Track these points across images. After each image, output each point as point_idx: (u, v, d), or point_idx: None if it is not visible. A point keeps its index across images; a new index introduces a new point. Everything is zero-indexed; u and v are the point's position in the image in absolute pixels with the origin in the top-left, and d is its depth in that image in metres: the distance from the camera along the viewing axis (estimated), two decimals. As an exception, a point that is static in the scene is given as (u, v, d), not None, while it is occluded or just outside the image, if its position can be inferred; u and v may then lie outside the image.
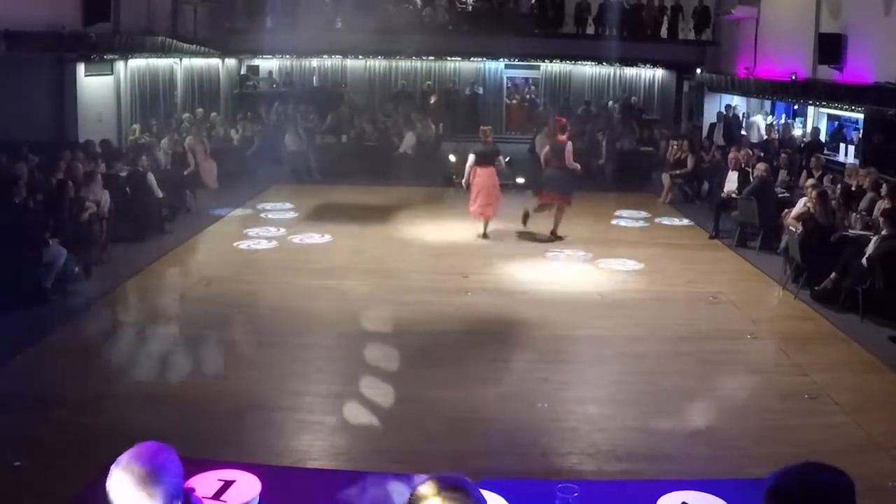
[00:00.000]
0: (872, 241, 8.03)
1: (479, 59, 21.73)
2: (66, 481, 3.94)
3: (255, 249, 10.47)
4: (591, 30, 20.04)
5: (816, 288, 8.50)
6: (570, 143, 11.09)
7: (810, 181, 10.14)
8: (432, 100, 20.82)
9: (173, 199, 11.69)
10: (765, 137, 16.54)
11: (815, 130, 15.05)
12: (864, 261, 7.92)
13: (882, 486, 4.68)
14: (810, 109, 16.11)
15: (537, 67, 22.43)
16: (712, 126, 17.96)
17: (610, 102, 21.08)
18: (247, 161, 15.48)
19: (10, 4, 10.77)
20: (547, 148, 11.44)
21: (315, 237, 10.98)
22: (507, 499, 2.93)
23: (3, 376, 6.17)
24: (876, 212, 8.85)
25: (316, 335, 7.35)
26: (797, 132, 16.16)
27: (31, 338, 6.91)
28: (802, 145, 14.61)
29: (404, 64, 21.97)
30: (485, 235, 11.13)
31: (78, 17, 12.58)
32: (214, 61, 19.37)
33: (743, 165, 12.15)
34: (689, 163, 14.30)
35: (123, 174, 11.41)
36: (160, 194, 11.07)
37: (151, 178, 11.02)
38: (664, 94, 22.19)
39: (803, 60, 14.41)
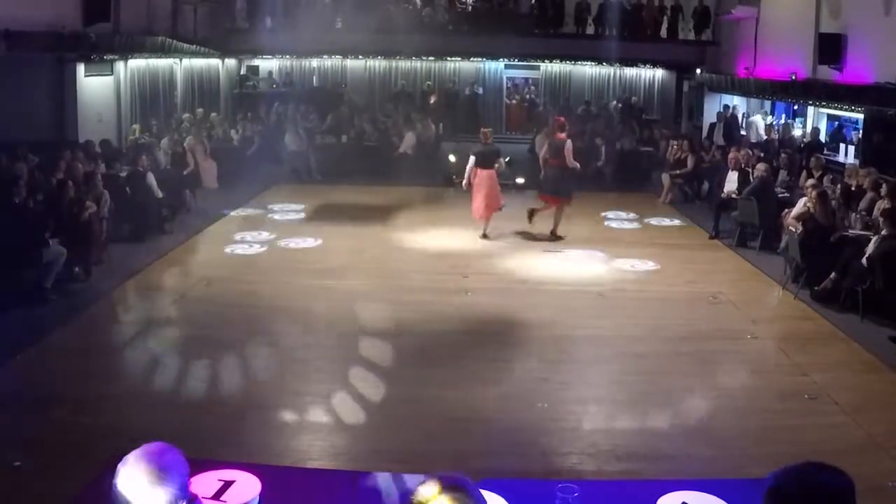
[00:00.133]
0: (872, 241, 8.03)
1: (479, 59, 21.73)
2: (66, 481, 3.94)
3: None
4: (591, 30, 20.03)
5: (816, 288, 8.50)
6: (569, 142, 11.09)
7: (810, 181, 10.14)
8: (432, 100, 20.82)
9: (173, 199, 11.69)
10: (764, 137, 16.54)
11: (815, 130, 15.04)
12: (864, 261, 7.92)
13: (882, 486, 4.68)
14: (810, 109, 16.11)
15: (537, 67, 22.43)
16: (712, 126, 17.96)
17: (614, 102, 21.09)
18: (247, 161, 15.48)
19: (10, 4, 10.78)
20: (546, 147, 11.44)
21: (309, 240, 10.89)
22: (507, 499, 2.93)
23: (3, 376, 6.17)
24: (876, 212, 8.84)
25: (316, 335, 7.35)
26: (797, 132, 16.15)
27: (31, 338, 6.91)
28: (802, 145, 14.61)
29: (404, 64, 21.97)
30: (485, 236, 11.13)
31: (78, 17, 12.58)
32: (214, 61, 19.37)
33: (743, 165, 12.15)
34: (689, 163, 14.30)
35: (123, 174, 11.41)
36: (160, 194, 11.07)
37: (151, 178, 11.01)
38: (664, 94, 22.19)
39: (803, 60, 14.41)
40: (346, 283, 9.01)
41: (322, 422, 5.70)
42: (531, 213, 11.21)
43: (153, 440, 2.03)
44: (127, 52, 14.37)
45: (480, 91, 22.14)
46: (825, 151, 14.00)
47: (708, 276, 9.62)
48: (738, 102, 18.37)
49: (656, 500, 2.97)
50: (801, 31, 14.47)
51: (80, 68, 13.50)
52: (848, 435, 5.46)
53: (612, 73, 22.26)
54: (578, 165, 11.21)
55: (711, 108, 19.01)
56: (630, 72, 22.15)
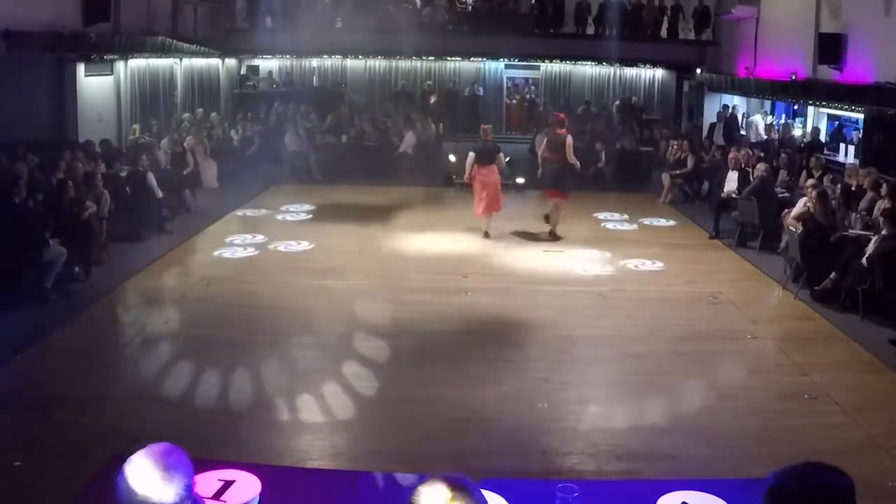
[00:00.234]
0: (872, 241, 8.03)
1: (479, 59, 21.73)
2: (66, 481, 3.94)
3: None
4: (591, 30, 20.03)
5: (816, 288, 8.50)
6: (570, 137, 11.07)
7: (810, 181, 10.13)
8: (432, 100, 20.82)
9: (173, 199, 11.69)
10: (763, 137, 16.54)
11: (815, 130, 15.04)
12: (864, 261, 7.92)
13: (882, 486, 4.68)
14: (810, 109, 16.11)
15: (537, 67, 22.42)
16: (712, 126, 17.96)
17: (617, 102, 21.10)
18: (247, 161, 15.48)
19: (10, 4, 10.78)
20: (544, 143, 11.42)
21: (309, 241, 10.84)
22: (507, 499, 2.93)
23: (3, 376, 6.17)
24: (876, 212, 8.84)
25: (316, 335, 7.35)
26: (797, 132, 16.15)
27: (31, 338, 6.90)
28: (802, 145, 14.61)
29: (404, 64, 21.96)
30: (486, 234, 11.12)
31: (78, 17, 12.58)
32: (214, 61, 19.37)
33: (743, 165, 12.15)
34: (689, 163, 14.30)
35: (123, 174, 11.41)
36: (160, 194, 11.07)
37: (151, 178, 11.01)
38: (664, 94, 22.18)
39: (803, 60, 14.41)
40: (346, 283, 9.01)
41: (322, 422, 5.70)
42: (547, 217, 11.15)
43: (153, 440, 2.03)
44: (127, 52, 14.37)
45: (480, 91, 22.14)
46: (825, 151, 14.00)
47: (708, 276, 9.62)
48: (738, 102, 18.37)
49: (656, 500, 2.97)
50: (801, 31, 14.47)
51: (80, 68, 13.50)
52: (848, 435, 5.46)
53: (612, 73, 22.26)
54: (579, 164, 11.18)
55: (711, 108, 19.01)
56: (630, 72, 22.15)
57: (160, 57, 16.14)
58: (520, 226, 11.43)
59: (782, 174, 12.14)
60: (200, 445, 4.52)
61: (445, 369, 6.57)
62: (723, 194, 11.91)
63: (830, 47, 13.05)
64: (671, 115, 21.20)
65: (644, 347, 7.21)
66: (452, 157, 15.14)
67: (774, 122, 17.42)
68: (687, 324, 7.93)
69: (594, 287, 9.07)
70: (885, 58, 11.74)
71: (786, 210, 10.20)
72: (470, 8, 21.00)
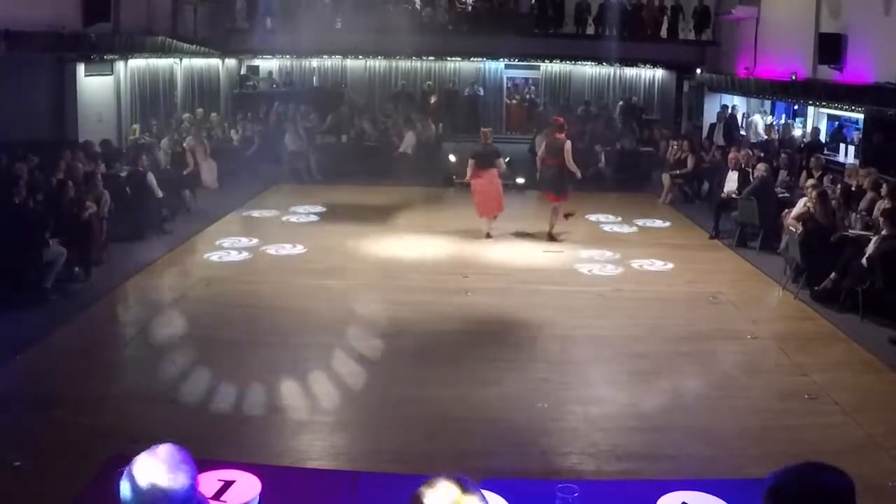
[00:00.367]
0: (872, 241, 8.03)
1: (479, 59, 21.72)
2: (66, 481, 3.94)
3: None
4: (591, 30, 20.02)
5: (816, 288, 8.50)
6: (569, 142, 11.06)
7: (810, 181, 10.13)
8: (432, 100, 20.82)
9: (173, 199, 11.68)
10: (763, 137, 16.54)
11: (815, 131, 15.04)
12: (864, 261, 7.92)
13: (882, 486, 4.68)
14: (810, 109, 16.10)
15: (537, 67, 22.42)
16: (712, 126, 17.95)
17: (621, 103, 21.11)
18: (247, 161, 15.48)
19: (10, 4, 10.77)
20: (543, 147, 11.41)
21: (307, 241, 10.82)
22: (507, 499, 2.93)
23: (3, 376, 6.17)
24: (876, 212, 8.84)
25: (316, 335, 7.35)
26: (797, 132, 16.15)
27: (31, 338, 6.90)
28: (802, 145, 14.61)
29: (404, 64, 21.96)
30: (487, 235, 11.11)
31: (78, 17, 12.57)
32: (214, 61, 19.37)
33: (743, 165, 12.15)
34: (689, 163, 14.30)
35: (123, 174, 11.41)
36: (160, 194, 11.07)
37: (151, 178, 11.01)
38: (664, 94, 22.18)
39: (803, 60, 14.40)
40: (346, 283, 9.01)
41: (322, 422, 5.70)
42: (566, 216, 11.15)
43: (153, 440, 2.03)
44: (127, 52, 14.37)
45: (480, 91, 22.13)
46: (825, 151, 14.00)
47: (708, 276, 9.62)
48: (737, 102, 18.37)
49: (656, 500, 2.97)
50: (801, 31, 14.46)
51: (80, 68, 13.50)
52: (848, 435, 5.46)
53: (612, 73, 22.26)
54: (579, 173, 11.09)
55: (711, 108, 19.00)
56: (630, 72, 22.14)
57: (160, 57, 16.14)
58: (520, 226, 11.44)
59: (782, 174, 12.14)
60: (200, 445, 4.49)
61: (445, 369, 6.57)
62: (723, 194, 11.91)
63: (830, 47, 13.04)
64: (671, 115, 21.19)
65: (644, 347, 7.21)
66: (452, 157, 15.14)
67: (774, 122, 17.42)
68: (687, 324, 7.93)
69: (594, 287, 9.08)
70: (885, 58, 11.74)
71: (786, 210, 10.20)
72: (470, 8, 21.00)
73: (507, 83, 22.85)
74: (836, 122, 15.60)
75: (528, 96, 22.76)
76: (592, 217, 12.57)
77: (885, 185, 9.08)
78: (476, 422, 5.66)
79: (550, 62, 21.94)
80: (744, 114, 18.37)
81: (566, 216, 11.16)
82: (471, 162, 11.22)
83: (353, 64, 22.04)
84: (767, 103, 17.91)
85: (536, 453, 5.21)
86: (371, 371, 6.51)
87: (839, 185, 10.16)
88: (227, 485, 2.93)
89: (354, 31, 18.60)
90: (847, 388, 6.31)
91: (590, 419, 5.78)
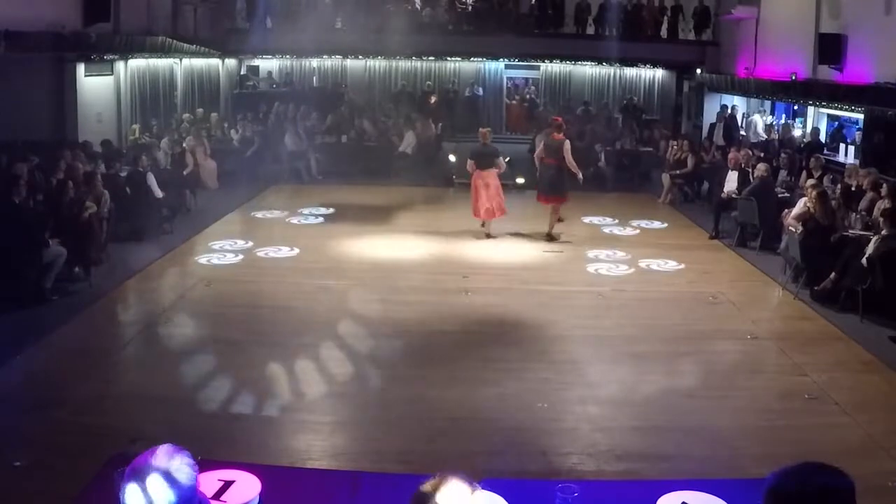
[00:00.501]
0: (872, 241, 8.03)
1: (479, 59, 21.74)
2: (66, 481, 3.94)
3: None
4: (591, 30, 20.05)
5: (816, 288, 8.50)
6: (567, 142, 11.04)
7: (810, 181, 10.13)
8: (432, 100, 20.83)
9: (173, 199, 11.68)
10: (763, 137, 16.54)
11: (815, 131, 15.04)
12: (864, 261, 7.92)
13: (882, 486, 4.68)
14: (810, 109, 16.11)
15: (537, 67, 22.45)
16: (712, 126, 17.96)
17: (624, 102, 21.13)
18: (247, 161, 15.49)
19: (10, 4, 10.78)
20: (541, 146, 11.39)
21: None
22: (507, 499, 2.94)
23: (3, 376, 6.16)
24: (876, 212, 8.84)
25: (316, 335, 7.34)
26: (797, 132, 16.15)
27: (31, 338, 6.90)
28: (802, 145, 14.61)
29: (404, 64, 21.98)
30: (488, 235, 11.10)
31: (78, 17, 12.58)
32: (214, 61, 19.38)
33: (743, 165, 12.15)
34: (689, 163, 14.30)
35: (123, 174, 11.41)
36: (160, 194, 11.06)
37: (151, 178, 11.01)
38: (664, 94, 22.21)
39: (803, 60, 14.41)
40: (346, 283, 9.00)
41: (322, 422, 5.70)
42: (549, 232, 11.10)
43: (153, 440, 2.03)
44: (127, 52, 14.37)
45: (480, 91, 22.16)
46: (825, 151, 14.00)
47: (708, 276, 9.62)
48: (737, 102, 18.37)
49: (656, 500, 2.97)
50: (801, 31, 14.47)
51: (80, 68, 13.50)
52: (848, 435, 5.46)
53: (612, 73, 22.29)
54: (580, 174, 11.04)
55: (711, 108, 19.01)
56: (630, 72, 22.16)
57: (160, 57, 16.15)
58: (519, 226, 11.43)
59: (782, 174, 12.14)
60: (200, 445, 4.51)
61: (445, 369, 6.57)
62: (723, 194, 11.90)
63: (830, 47, 13.04)
64: (671, 115, 21.21)
65: (644, 347, 7.21)
66: (452, 157, 15.16)
67: (774, 122, 17.42)
68: (687, 324, 7.93)
69: (594, 287, 9.08)
70: (885, 58, 11.74)
71: (786, 210, 10.20)
72: (470, 8, 21.01)
73: (507, 83, 22.87)
74: (836, 123, 15.60)
75: (528, 96, 22.78)
76: (592, 217, 12.56)
77: (885, 185, 9.08)
78: (476, 422, 5.66)
79: (550, 62, 21.97)
80: (744, 114, 18.37)
81: (558, 220, 11.14)
82: (470, 162, 11.23)
83: (353, 64, 22.05)
84: (767, 103, 17.91)
85: (536, 453, 5.20)
86: (371, 371, 6.51)
87: (839, 185, 10.16)
88: (227, 485, 2.93)
89: (354, 31, 18.62)
90: (847, 388, 6.31)
91: (590, 419, 5.78)
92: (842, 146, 14.74)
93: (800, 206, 9.47)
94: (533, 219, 11.34)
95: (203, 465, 3.03)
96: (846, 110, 13.98)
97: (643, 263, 10.04)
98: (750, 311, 8.30)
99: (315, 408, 5.93)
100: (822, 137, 15.05)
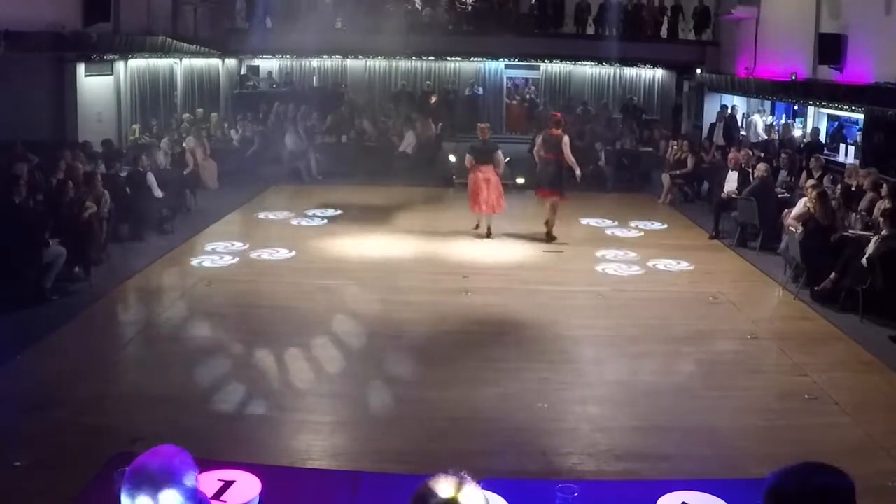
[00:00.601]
0: (872, 241, 8.03)
1: (479, 59, 21.75)
2: (66, 481, 3.94)
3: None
4: (591, 30, 20.05)
5: (816, 288, 8.50)
6: (566, 137, 11.01)
7: (810, 181, 10.13)
8: (432, 100, 20.83)
9: (173, 199, 11.68)
10: (763, 137, 16.54)
11: (815, 131, 15.04)
12: (864, 261, 7.92)
13: (882, 486, 4.68)
14: (810, 109, 16.11)
15: (537, 67, 22.45)
16: (712, 126, 17.96)
17: (625, 102, 21.14)
18: (247, 161, 15.49)
19: (10, 4, 10.77)
20: (540, 142, 11.38)
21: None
22: (507, 499, 2.93)
23: (3, 376, 6.16)
24: (876, 212, 8.84)
25: (316, 335, 7.33)
26: (797, 132, 16.15)
27: (31, 338, 6.90)
28: (802, 145, 14.61)
29: (404, 64, 21.99)
30: (488, 234, 11.10)
31: (78, 17, 12.58)
32: (214, 61, 19.38)
33: (743, 165, 12.15)
34: (689, 163, 14.30)
35: (123, 174, 11.41)
36: (160, 194, 11.07)
37: (151, 178, 11.01)
38: (664, 94, 22.22)
39: (803, 60, 14.41)
40: (346, 283, 9.00)
41: (322, 422, 5.70)
42: (549, 228, 11.06)
43: (153, 440, 2.03)
44: (127, 52, 14.37)
45: (480, 91, 22.16)
46: (825, 151, 14.00)
47: (708, 276, 9.63)
48: (737, 102, 18.37)
49: (656, 500, 2.97)
50: (801, 31, 14.47)
51: (80, 68, 13.50)
52: (848, 435, 5.46)
53: (612, 73, 22.29)
54: (579, 171, 10.98)
55: (711, 108, 19.01)
56: (630, 72, 22.17)
57: (160, 57, 16.15)
58: (519, 226, 11.43)
59: (782, 174, 12.14)
60: (200, 445, 4.51)
61: (445, 369, 6.57)
62: (723, 194, 11.90)
63: (830, 47, 13.04)
64: (671, 115, 21.21)
65: (644, 347, 7.21)
66: (452, 157, 15.15)
67: (774, 122, 17.42)
68: (687, 324, 7.93)
69: (594, 287, 9.07)
70: (885, 58, 11.74)
71: (786, 210, 10.20)
72: (470, 8, 21.02)
73: (507, 83, 22.88)
74: (837, 122, 15.60)
75: (528, 96, 22.79)
76: (592, 217, 12.56)
77: (885, 185, 9.08)
78: (476, 422, 5.66)
79: (550, 62, 21.98)
80: (744, 114, 18.37)
81: (547, 223, 11.11)
82: (468, 157, 11.22)
83: (353, 64, 22.06)
84: (767, 103, 17.91)
85: (536, 453, 5.20)
86: (371, 371, 6.51)
87: (839, 185, 10.16)
88: (227, 485, 2.93)
89: (354, 31, 18.62)
90: (847, 388, 6.31)
91: (590, 419, 5.78)
92: (842, 146, 14.75)
93: (800, 206, 9.47)
94: (533, 219, 11.33)
95: (203, 465, 3.03)
96: (846, 110, 13.98)
97: (648, 263, 10.03)
98: (750, 311, 8.30)
99: (315, 408, 5.93)
100: (822, 137, 15.05)
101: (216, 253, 10.17)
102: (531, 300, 8.52)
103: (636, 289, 9.11)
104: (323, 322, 7.68)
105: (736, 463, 5.03)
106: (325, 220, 12.17)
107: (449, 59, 21.80)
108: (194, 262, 9.77)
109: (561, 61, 21.81)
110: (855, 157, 13.44)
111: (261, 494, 2.90)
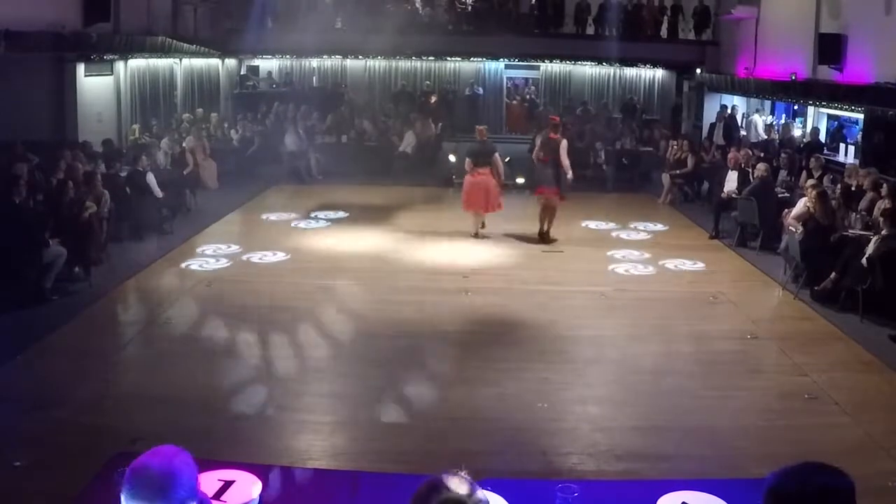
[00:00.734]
0: (872, 241, 8.03)
1: (479, 59, 21.74)
2: (66, 481, 3.94)
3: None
4: (590, 30, 20.04)
5: (816, 288, 8.50)
6: (564, 142, 11.02)
7: (810, 181, 10.13)
8: (432, 100, 20.83)
9: (173, 199, 11.69)
10: (763, 137, 16.54)
11: (815, 130, 15.04)
12: (864, 261, 7.92)
13: (882, 486, 4.68)
14: (810, 109, 16.11)
15: (537, 67, 22.45)
16: (712, 126, 17.96)
17: (625, 102, 21.14)
18: (246, 161, 15.48)
19: (10, 4, 10.77)
20: (539, 145, 11.38)
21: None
22: (507, 499, 2.94)
23: (4, 376, 6.17)
24: (876, 212, 8.84)
25: (316, 335, 7.34)
26: (797, 132, 16.15)
27: (31, 338, 6.90)
28: (802, 145, 14.61)
29: (404, 64, 21.99)
30: (476, 234, 11.08)
31: (78, 17, 12.58)
32: (214, 61, 19.37)
33: (743, 165, 12.15)
34: (689, 163, 14.30)
35: (123, 174, 11.41)
36: (160, 194, 11.07)
37: (151, 178, 11.02)
38: (664, 94, 22.21)
39: (803, 60, 14.40)
40: (346, 283, 9.00)
41: (322, 422, 5.70)
42: (543, 233, 11.05)
43: (153, 440, 2.03)
44: (127, 52, 14.37)
45: (480, 91, 22.15)
46: (825, 151, 14.00)
47: (708, 276, 9.63)
48: (737, 102, 18.37)
49: (656, 500, 2.97)
50: (801, 31, 14.46)
51: (80, 68, 13.50)
52: (848, 435, 5.46)
53: (612, 73, 22.29)
54: (571, 173, 10.92)
55: (711, 108, 19.01)
56: (630, 72, 22.17)
57: (160, 57, 16.15)
58: (519, 226, 11.42)
59: (782, 174, 12.14)
60: (201, 445, 4.52)
61: (445, 369, 6.56)
62: (723, 194, 11.90)
63: (830, 47, 13.04)
64: (671, 115, 21.21)
65: (644, 347, 7.21)
66: (452, 157, 15.15)
67: (774, 122, 17.42)
68: (687, 324, 7.93)
69: (594, 287, 9.07)
70: (885, 58, 11.74)
71: (786, 210, 10.20)
72: (470, 8, 21.01)
73: (507, 83, 22.88)
74: (836, 122, 15.60)
75: (528, 96, 22.79)
76: (592, 217, 12.55)
77: (885, 185, 9.08)
78: (476, 422, 5.66)
79: (550, 62, 21.98)
80: (744, 114, 18.37)
81: (543, 233, 11.10)
82: (468, 160, 11.23)
83: (353, 64, 22.05)
84: (767, 103, 17.91)
85: (536, 453, 5.20)
86: (371, 371, 6.51)
87: (839, 185, 10.16)
88: (227, 485, 2.93)
89: (354, 31, 18.61)
90: (847, 388, 6.31)
91: (590, 419, 5.78)
92: (842, 146, 14.75)
93: (800, 206, 9.46)
94: (533, 219, 11.32)
95: (203, 465, 3.04)
96: (846, 110, 13.98)
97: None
98: (750, 311, 8.30)
99: (315, 408, 5.93)
100: (822, 137, 15.05)
101: (214, 255, 10.16)
102: (531, 300, 8.52)
103: (636, 288, 9.10)
104: (323, 322, 7.68)
105: (736, 463, 5.03)
106: (325, 221, 12.17)
107: (449, 59, 21.80)
108: (194, 262, 9.76)
109: (561, 61, 21.81)
110: (855, 157, 13.44)
111: (261, 494, 2.90)
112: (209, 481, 2.91)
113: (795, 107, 17.04)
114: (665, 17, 19.88)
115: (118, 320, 8.05)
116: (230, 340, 7.10)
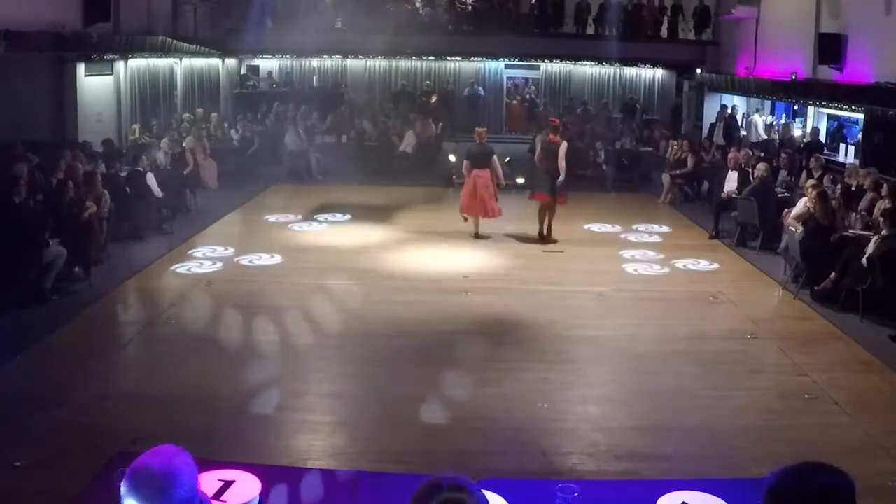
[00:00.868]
0: (872, 241, 8.03)
1: (479, 59, 21.75)
2: (66, 481, 3.94)
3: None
4: (591, 30, 20.06)
5: (816, 288, 8.50)
6: (564, 144, 11.02)
7: (810, 181, 10.13)
8: (432, 100, 20.84)
9: (173, 199, 11.69)
10: (763, 137, 16.55)
11: (815, 130, 15.04)
12: (864, 261, 7.92)
13: (882, 486, 4.68)
14: (810, 109, 16.11)
15: (537, 67, 22.46)
16: (712, 126, 17.96)
17: (625, 102, 21.15)
18: (246, 161, 15.48)
19: (10, 4, 10.78)
20: (539, 148, 11.38)
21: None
22: (507, 499, 2.93)
23: (4, 376, 6.17)
24: (876, 212, 8.84)
25: (316, 335, 7.34)
26: (797, 132, 16.16)
27: (31, 338, 6.90)
28: (802, 145, 14.61)
29: (404, 64, 22.00)
30: (476, 235, 11.07)
31: (78, 17, 12.59)
32: (214, 61, 19.38)
33: (743, 165, 12.15)
34: (689, 163, 14.31)
35: (123, 174, 11.41)
36: (160, 194, 11.07)
37: (151, 178, 11.02)
38: (664, 94, 22.22)
39: (803, 60, 14.41)
40: (346, 283, 9.00)
41: (322, 422, 5.70)
42: (542, 235, 11.06)
43: (153, 440, 2.03)
44: (127, 52, 14.38)
45: (480, 91, 22.16)
46: (825, 151, 14.00)
47: (708, 276, 9.62)
48: (737, 102, 18.37)
49: (656, 500, 2.97)
50: (801, 31, 14.47)
51: (80, 68, 13.51)
52: (848, 435, 5.46)
53: (612, 73, 22.30)
54: (563, 175, 10.83)
55: (711, 107, 19.02)
56: (630, 72, 22.17)
57: (160, 57, 16.15)
58: (519, 226, 11.42)
59: (782, 174, 12.14)
60: (201, 445, 4.52)
61: (445, 369, 6.55)
62: (723, 194, 11.90)
63: (830, 47, 13.04)
64: (671, 115, 21.22)
65: (644, 347, 7.21)
66: (452, 157, 15.16)
67: (774, 122, 17.42)
68: (687, 324, 7.93)
69: (594, 287, 9.06)
70: (885, 58, 11.74)
71: (786, 210, 10.20)
72: (470, 8, 21.02)
73: (507, 83, 22.89)
74: (836, 122, 15.60)
75: (528, 96, 22.79)
76: (592, 217, 12.54)
77: (885, 185, 9.08)
78: (476, 422, 5.66)
79: (550, 62, 21.98)
80: (744, 114, 18.37)
81: (546, 234, 11.10)
82: (465, 163, 11.23)
83: (353, 64, 22.06)
84: (767, 103, 17.91)
85: (536, 453, 5.21)
86: (371, 371, 6.51)
87: (839, 185, 10.16)
88: (227, 485, 2.93)
89: (354, 31, 18.61)
90: (847, 388, 6.31)
91: (590, 419, 5.79)
92: (842, 146, 14.75)
93: (800, 206, 9.46)
94: (533, 219, 11.32)
95: (203, 465, 3.03)
96: (846, 110, 13.98)
97: (644, 264, 10.03)
98: (750, 311, 8.30)
99: (315, 408, 5.93)
100: (822, 137, 15.05)
101: (213, 255, 10.15)
102: (531, 300, 8.52)
103: (636, 288, 9.10)
104: (323, 322, 7.68)
105: (736, 463, 5.04)
106: (325, 221, 12.16)
107: (449, 59, 21.81)
108: (194, 262, 9.75)
109: (561, 61, 21.82)
110: (855, 157, 13.44)
111: (261, 494, 2.91)
112: (209, 481, 2.91)
113: (795, 107, 17.04)
114: (665, 17, 19.90)
115: (118, 320, 8.05)
116: (230, 340, 7.09)
